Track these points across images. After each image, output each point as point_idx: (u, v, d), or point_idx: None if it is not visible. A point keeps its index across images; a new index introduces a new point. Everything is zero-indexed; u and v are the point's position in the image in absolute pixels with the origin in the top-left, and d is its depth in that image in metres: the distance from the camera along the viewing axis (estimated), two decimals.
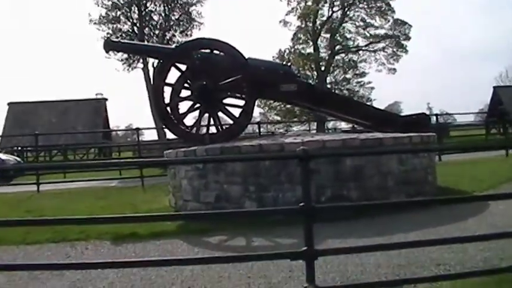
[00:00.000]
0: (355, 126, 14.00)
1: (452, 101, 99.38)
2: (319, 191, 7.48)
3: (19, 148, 31.74)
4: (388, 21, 39.07)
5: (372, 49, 39.96)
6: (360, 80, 40.58)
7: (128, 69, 26.21)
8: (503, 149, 16.83)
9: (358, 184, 7.81)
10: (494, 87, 43.73)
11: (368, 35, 39.85)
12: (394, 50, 39.34)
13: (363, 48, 40.07)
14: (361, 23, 39.69)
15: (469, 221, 6.71)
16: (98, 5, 25.89)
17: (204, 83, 9.31)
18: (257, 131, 20.94)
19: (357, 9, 39.60)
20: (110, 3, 25.88)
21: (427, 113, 17.39)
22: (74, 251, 6.45)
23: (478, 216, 6.92)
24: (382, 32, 39.52)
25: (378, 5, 38.72)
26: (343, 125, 29.44)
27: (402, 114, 15.99)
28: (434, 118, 19.46)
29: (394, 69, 39.92)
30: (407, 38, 39.13)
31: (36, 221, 6.67)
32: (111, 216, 6.87)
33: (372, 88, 40.92)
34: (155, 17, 26.60)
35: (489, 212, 7.13)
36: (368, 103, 33.52)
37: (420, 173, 8.55)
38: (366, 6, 39.19)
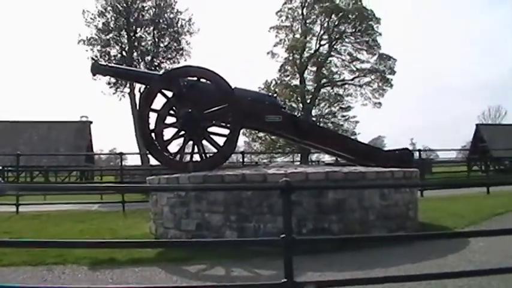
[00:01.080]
0: (339, 159, 14.10)
1: (435, 137, 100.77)
2: (301, 222, 7.48)
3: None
4: (375, 55, 39.82)
5: (357, 83, 40.58)
6: (345, 113, 41.09)
7: (114, 93, 26.23)
8: (484, 186, 17.07)
9: (339, 217, 7.82)
10: (477, 125, 44.52)
11: (354, 68, 40.58)
12: (380, 84, 40.00)
13: (349, 82, 40.68)
14: (348, 57, 40.47)
15: (449, 257, 6.74)
16: (89, 26, 26.03)
17: (190, 110, 9.35)
18: (241, 160, 20.99)
19: (344, 43, 40.39)
20: (100, 25, 26.04)
21: (410, 148, 17.58)
22: (50, 274, 6.32)
23: (458, 253, 6.96)
24: (368, 66, 40.25)
25: (365, 39, 39.51)
26: (327, 158, 29.66)
27: (385, 148, 16.15)
28: (417, 153, 19.68)
29: (379, 104, 40.52)
30: (392, 72, 39.87)
31: (13, 242, 6.56)
32: (89, 241, 6.80)
33: (357, 122, 41.47)
34: (144, 43, 26.80)
35: (469, 249, 7.17)
36: (352, 137, 33.83)
37: (402, 208, 8.60)
38: (353, 41, 40.02)
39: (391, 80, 39.85)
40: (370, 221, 8.04)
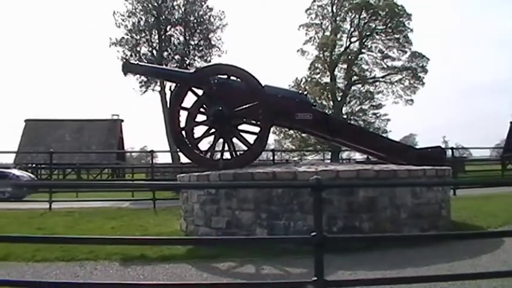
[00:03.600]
0: (370, 157, 13.97)
1: (469, 135, 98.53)
2: (331, 221, 7.46)
3: (33, 165, 32.08)
4: (406, 53, 39.26)
5: (388, 81, 40.08)
6: (376, 111, 40.61)
7: (145, 92, 26.54)
8: None
9: (370, 216, 7.77)
10: (511, 122, 43.38)
11: (385, 66, 40.06)
12: (411, 82, 39.41)
13: (380, 79, 40.21)
14: (379, 54, 39.96)
15: (483, 257, 6.61)
16: (119, 27, 26.39)
17: (220, 108, 9.43)
18: (271, 158, 21.00)
19: (374, 41, 39.92)
20: (130, 25, 26.37)
21: (443, 146, 17.27)
22: (82, 270, 6.47)
23: (491, 253, 6.82)
24: (399, 64, 39.70)
25: (396, 36, 38.96)
26: (358, 156, 29.47)
27: (417, 146, 15.90)
28: (449, 152, 19.34)
29: (411, 101, 39.93)
30: (425, 71, 39.22)
31: (46, 238, 6.73)
32: (120, 237, 6.93)
33: (388, 120, 40.92)
34: (175, 42, 26.99)
35: (503, 249, 7.01)
36: (383, 135, 33.45)
37: (434, 207, 8.48)
38: (383, 38, 39.50)
39: (423, 78, 39.23)
40: (402, 219, 7.96)
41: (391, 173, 8.16)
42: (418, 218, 8.07)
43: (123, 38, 26.17)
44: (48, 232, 8.97)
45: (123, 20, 26.34)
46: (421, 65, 39.15)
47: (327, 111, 36.07)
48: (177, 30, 26.99)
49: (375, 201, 7.82)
